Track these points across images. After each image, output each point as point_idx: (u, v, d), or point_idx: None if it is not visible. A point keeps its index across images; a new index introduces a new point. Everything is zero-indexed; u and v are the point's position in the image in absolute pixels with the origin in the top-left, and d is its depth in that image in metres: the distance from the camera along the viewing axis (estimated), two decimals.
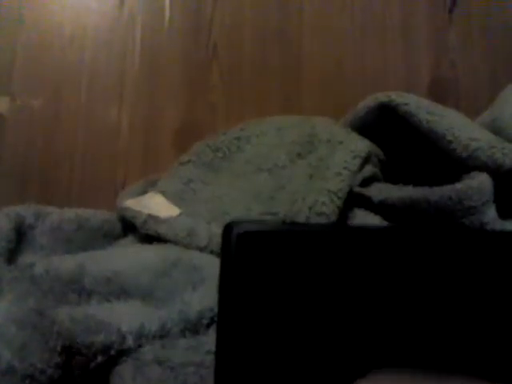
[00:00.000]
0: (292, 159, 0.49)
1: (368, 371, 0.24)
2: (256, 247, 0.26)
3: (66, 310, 0.35)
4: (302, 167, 0.48)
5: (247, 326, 0.26)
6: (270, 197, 0.46)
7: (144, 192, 0.50)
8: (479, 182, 0.42)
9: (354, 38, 0.71)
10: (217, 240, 0.43)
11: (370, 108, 0.50)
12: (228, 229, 0.26)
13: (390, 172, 0.51)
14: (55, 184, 0.62)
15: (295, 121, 0.53)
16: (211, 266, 0.40)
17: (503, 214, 0.44)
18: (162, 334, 0.35)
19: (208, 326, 0.36)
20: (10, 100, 0.64)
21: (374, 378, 0.21)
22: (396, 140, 0.51)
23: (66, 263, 0.39)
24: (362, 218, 0.45)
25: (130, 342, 0.34)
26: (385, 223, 0.44)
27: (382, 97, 0.49)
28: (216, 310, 0.36)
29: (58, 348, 0.32)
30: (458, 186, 0.42)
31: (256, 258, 0.26)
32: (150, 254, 0.42)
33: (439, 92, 0.71)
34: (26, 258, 0.41)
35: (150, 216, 0.46)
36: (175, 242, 0.44)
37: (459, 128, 0.45)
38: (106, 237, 0.48)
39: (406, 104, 0.47)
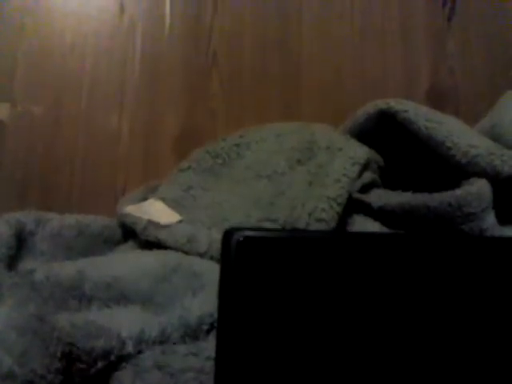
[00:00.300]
0: (291, 166, 0.49)
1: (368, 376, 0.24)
2: (255, 253, 0.26)
3: (66, 315, 0.35)
4: (302, 174, 0.48)
5: (247, 331, 0.26)
6: (269, 203, 0.46)
7: (144, 198, 0.50)
8: (478, 189, 0.42)
9: (353, 45, 0.72)
10: (217, 246, 0.43)
11: (370, 115, 0.50)
12: (228, 235, 0.26)
13: (390, 178, 0.51)
14: (55, 190, 0.62)
15: (295, 127, 0.53)
16: (211, 271, 0.40)
17: (502, 220, 0.44)
18: (162, 340, 0.35)
19: (208, 331, 0.36)
20: (10, 106, 0.64)
21: None
22: (395, 146, 0.51)
23: (67, 269, 0.39)
24: (362, 223, 0.45)
25: (129, 347, 0.34)
26: (384, 229, 0.44)
27: (381, 104, 0.49)
28: (216, 315, 0.36)
29: (59, 354, 0.32)
30: (458, 192, 0.42)
31: (255, 264, 0.26)
32: (150, 259, 0.42)
33: (438, 98, 0.71)
34: (26, 264, 0.41)
35: (150, 222, 0.46)
36: (175, 248, 0.44)
37: (458, 135, 0.45)
38: (106, 243, 0.48)
39: (405, 111, 0.47)
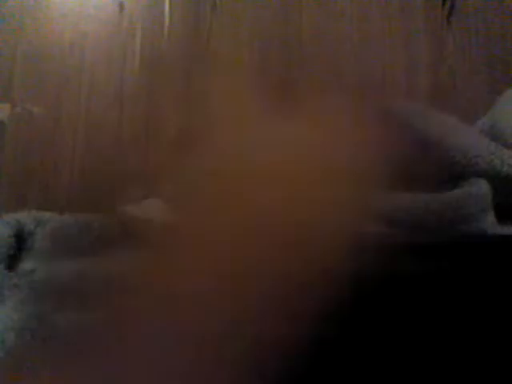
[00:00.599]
0: None
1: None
2: None
3: (66, 315, 0.35)
4: None
5: None
6: None
7: (144, 197, 0.50)
8: (478, 189, 0.42)
9: (352, 45, 0.72)
10: None
11: None
12: None
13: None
14: (55, 190, 0.62)
15: None
16: None
17: (502, 221, 0.44)
18: None
19: None
20: (10, 107, 0.64)
21: None
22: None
23: (67, 269, 0.39)
24: None
25: None
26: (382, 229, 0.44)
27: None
28: None
29: None
30: (457, 192, 0.42)
31: None
32: None
33: (437, 97, 0.71)
34: (26, 265, 0.41)
35: (149, 221, 0.46)
36: None
37: (457, 135, 0.45)
38: (106, 242, 0.48)
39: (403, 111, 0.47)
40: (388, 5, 0.74)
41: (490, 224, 0.42)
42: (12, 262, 0.41)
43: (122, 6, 0.69)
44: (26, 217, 0.46)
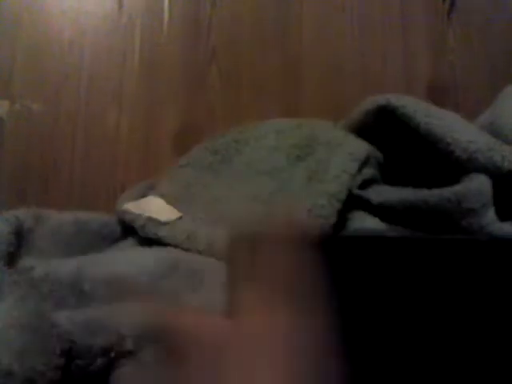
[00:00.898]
0: (291, 162, 0.49)
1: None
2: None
3: (66, 312, 0.35)
4: (301, 170, 0.48)
5: None
6: (269, 199, 0.46)
7: (143, 195, 0.50)
8: (478, 185, 0.42)
9: (353, 39, 0.72)
10: (216, 243, 0.43)
11: (369, 111, 0.50)
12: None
13: (389, 174, 0.51)
14: (55, 187, 0.62)
15: (294, 124, 0.53)
16: (211, 268, 0.40)
17: (502, 216, 0.44)
18: None
19: None
20: (9, 103, 0.64)
21: None
22: (395, 142, 0.51)
23: (66, 266, 0.39)
24: (361, 219, 0.45)
25: (129, 344, 0.34)
26: (383, 225, 0.44)
27: (380, 100, 0.49)
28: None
29: (58, 351, 0.32)
30: (457, 188, 0.42)
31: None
32: (149, 256, 0.42)
33: (438, 93, 0.71)
34: (25, 262, 0.41)
35: (149, 219, 0.46)
36: (175, 245, 0.44)
37: (458, 130, 0.45)
38: (105, 240, 0.48)
39: (403, 106, 0.47)
40: (388, 1, 0.73)
41: (490, 220, 0.42)
42: (11, 258, 0.41)
43: (121, 3, 0.69)
44: (25, 214, 0.45)
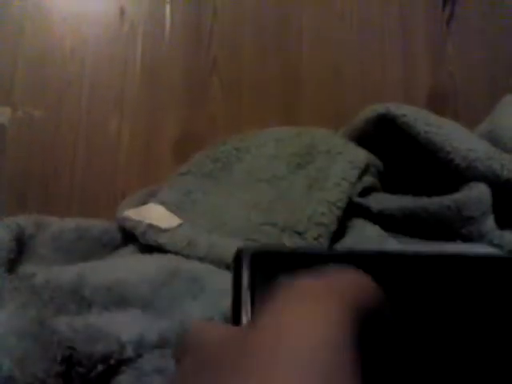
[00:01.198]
0: (291, 170, 0.49)
1: None
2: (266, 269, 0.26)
3: (67, 319, 0.35)
4: (301, 178, 0.48)
5: None
6: (269, 207, 0.47)
7: (144, 202, 0.50)
8: (478, 193, 0.43)
9: (352, 48, 0.72)
10: (216, 250, 0.43)
11: (369, 119, 0.50)
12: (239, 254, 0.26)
13: (389, 182, 0.51)
14: (55, 194, 0.62)
15: (294, 132, 0.53)
16: (211, 275, 0.40)
17: (501, 224, 0.44)
18: (162, 344, 0.35)
19: None
20: (11, 110, 0.64)
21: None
22: (395, 150, 0.51)
23: (67, 273, 0.40)
24: (361, 227, 0.45)
25: (129, 351, 0.34)
26: (383, 233, 0.44)
27: (380, 108, 0.49)
28: (216, 319, 0.36)
29: (59, 357, 0.32)
30: (457, 196, 0.43)
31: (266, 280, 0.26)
32: (150, 263, 0.42)
33: (437, 102, 0.71)
34: (26, 268, 0.41)
35: (150, 226, 0.46)
36: (175, 252, 0.44)
37: (457, 139, 0.45)
38: (106, 247, 0.48)
39: (403, 115, 0.47)
40: (388, 8, 0.74)
41: (490, 228, 0.43)
42: (12, 265, 0.41)
43: (122, 11, 0.69)
44: (26, 220, 0.46)
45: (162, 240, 0.45)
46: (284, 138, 0.52)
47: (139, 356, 0.34)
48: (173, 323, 0.36)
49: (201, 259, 0.43)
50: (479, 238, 0.43)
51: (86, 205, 0.62)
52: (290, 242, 0.44)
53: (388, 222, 0.45)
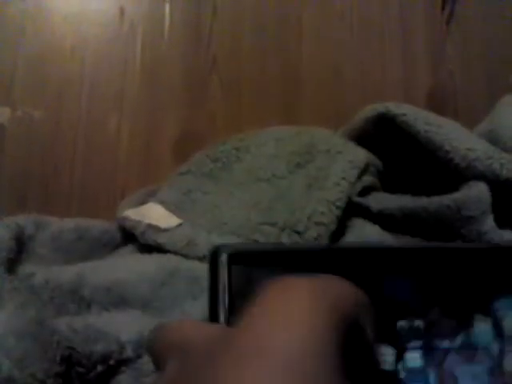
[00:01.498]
0: (291, 169, 0.49)
1: None
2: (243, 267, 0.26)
3: (66, 319, 0.35)
4: (301, 177, 0.48)
5: None
6: (268, 206, 0.47)
7: (143, 202, 0.50)
8: (477, 192, 0.43)
9: (352, 47, 0.72)
10: None
11: (369, 118, 0.50)
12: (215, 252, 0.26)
13: (389, 181, 0.51)
14: (55, 194, 0.62)
15: (294, 131, 0.53)
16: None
17: (501, 223, 0.44)
18: None
19: None
20: (10, 110, 0.64)
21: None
22: (394, 150, 0.51)
23: (66, 273, 0.40)
24: (361, 227, 0.45)
25: (129, 351, 0.34)
26: (383, 232, 0.44)
27: (380, 107, 0.49)
28: None
29: (58, 358, 0.32)
30: (457, 195, 0.43)
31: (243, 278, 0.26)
32: (149, 263, 0.42)
33: (437, 102, 0.71)
34: (26, 268, 0.41)
35: (149, 226, 0.46)
36: (175, 252, 0.44)
37: (457, 138, 0.45)
38: (105, 246, 0.48)
39: (403, 114, 0.47)
40: (388, 8, 0.74)
41: (489, 227, 0.43)
42: (12, 265, 0.41)
43: (122, 11, 0.69)
44: (25, 220, 0.46)
45: (162, 240, 0.45)
46: (284, 137, 0.52)
47: (139, 356, 0.34)
48: None
49: (200, 259, 0.43)
50: (479, 237, 0.43)
51: (85, 204, 0.62)
52: (289, 241, 0.44)
53: (388, 221, 0.45)
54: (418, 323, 0.27)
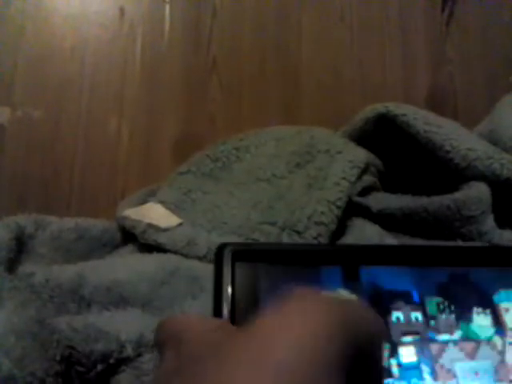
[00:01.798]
0: (291, 169, 0.49)
1: None
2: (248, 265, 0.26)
3: (66, 319, 0.35)
4: (301, 177, 0.48)
5: None
6: (268, 206, 0.47)
7: (144, 202, 0.50)
8: (477, 192, 0.43)
9: (352, 48, 0.72)
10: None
11: (369, 118, 0.50)
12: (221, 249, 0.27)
13: (389, 182, 0.51)
14: (55, 194, 0.62)
15: (294, 131, 0.53)
16: (210, 275, 0.40)
17: (501, 224, 0.44)
18: None
19: None
20: (10, 110, 0.64)
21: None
22: (394, 150, 0.51)
23: (66, 272, 0.40)
24: (361, 227, 0.45)
25: (129, 350, 0.34)
26: (383, 232, 0.44)
27: (380, 108, 0.49)
28: None
29: (58, 357, 0.32)
30: (457, 195, 0.43)
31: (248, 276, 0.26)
32: (149, 263, 0.42)
33: (437, 103, 0.71)
34: (26, 268, 0.41)
35: (149, 225, 0.46)
36: (175, 252, 0.44)
37: (457, 138, 0.45)
38: (105, 246, 0.48)
39: (403, 115, 0.47)
40: (387, 10, 0.74)
41: (489, 227, 0.43)
42: (12, 264, 0.41)
43: (122, 11, 0.70)
44: (25, 220, 0.46)
45: (162, 239, 0.45)
46: (284, 137, 0.52)
47: (139, 355, 0.34)
48: None
49: (200, 258, 0.43)
50: (479, 237, 0.43)
51: (85, 204, 0.62)
52: (289, 241, 0.44)
53: (388, 221, 0.45)
54: (416, 316, 0.27)
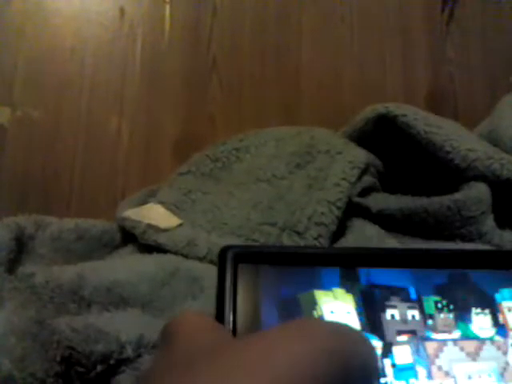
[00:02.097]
0: (291, 170, 0.49)
1: None
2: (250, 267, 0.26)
3: (66, 319, 0.35)
4: (301, 178, 0.48)
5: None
6: (268, 207, 0.47)
7: (144, 202, 0.50)
8: (477, 192, 0.43)
9: (352, 50, 0.72)
10: (216, 250, 0.43)
11: (369, 119, 0.50)
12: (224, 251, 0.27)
13: (389, 182, 0.51)
14: (55, 194, 0.62)
15: (294, 132, 0.53)
16: (210, 275, 0.40)
17: (501, 224, 0.44)
18: None
19: None
20: (10, 111, 0.64)
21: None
22: (394, 150, 0.51)
23: (66, 273, 0.40)
24: (361, 227, 0.45)
25: (129, 351, 0.34)
26: (383, 233, 0.44)
27: (380, 108, 0.49)
28: None
29: (58, 357, 0.32)
30: (457, 196, 0.43)
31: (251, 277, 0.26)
32: (149, 263, 0.42)
33: (437, 103, 0.71)
34: (26, 268, 0.41)
35: (149, 226, 0.46)
36: (175, 252, 0.44)
37: (457, 139, 0.45)
38: (105, 247, 0.48)
39: (403, 115, 0.47)
40: (387, 10, 0.74)
41: (489, 227, 0.43)
42: (12, 265, 0.41)
43: (122, 12, 0.69)
44: (26, 220, 0.46)
45: (162, 240, 0.45)
46: (284, 137, 0.52)
47: (139, 356, 0.34)
48: None
49: (200, 259, 0.43)
50: (479, 237, 0.43)
51: (85, 204, 0.62)
52: (289, 241, 0.44)
53: (388, 221, 0.45)
54: (413, 314, 0.26)
